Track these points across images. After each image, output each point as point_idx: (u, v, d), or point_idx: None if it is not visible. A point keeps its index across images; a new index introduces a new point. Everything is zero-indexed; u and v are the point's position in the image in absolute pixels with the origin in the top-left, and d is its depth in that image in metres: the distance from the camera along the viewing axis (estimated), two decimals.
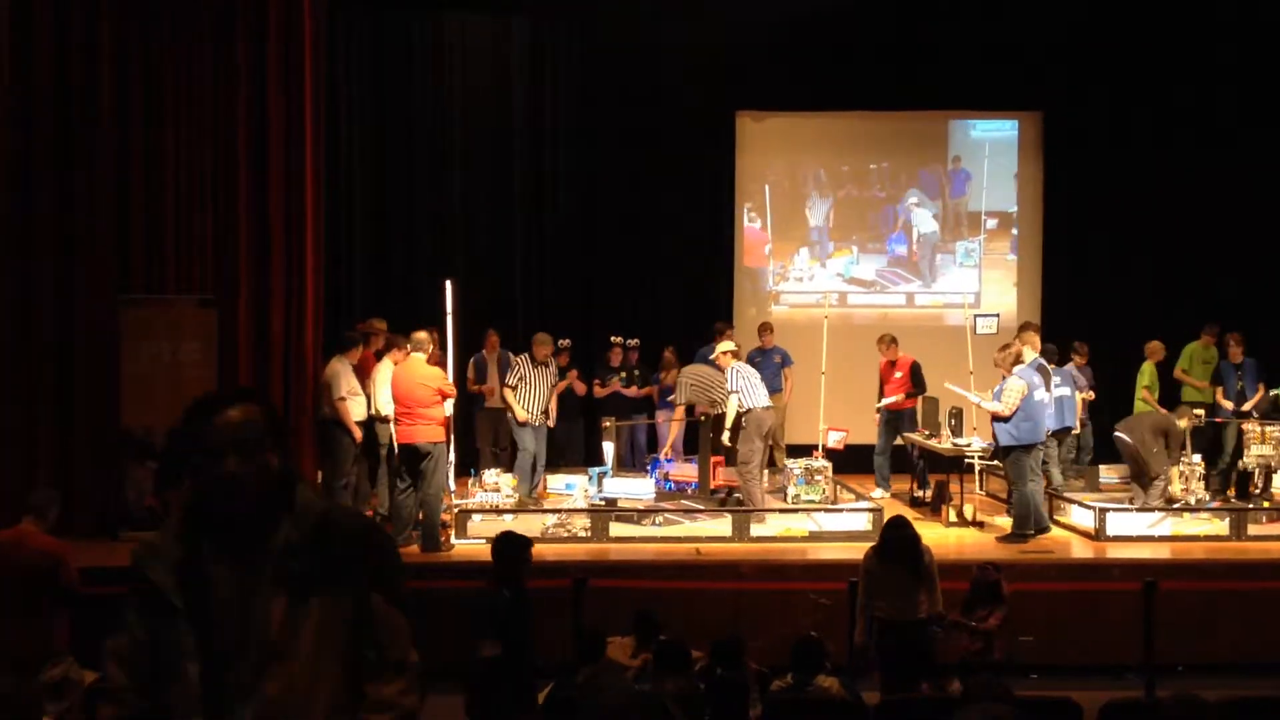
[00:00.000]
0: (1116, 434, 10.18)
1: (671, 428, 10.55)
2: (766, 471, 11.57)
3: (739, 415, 9.61)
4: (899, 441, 11.37)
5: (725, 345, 10.16)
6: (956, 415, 10.52)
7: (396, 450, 9.28)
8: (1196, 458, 10.11)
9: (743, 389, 9.73)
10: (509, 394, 10.26)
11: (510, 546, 5.84)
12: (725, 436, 9.74)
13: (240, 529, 2.41)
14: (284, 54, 9.84)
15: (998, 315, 12.50)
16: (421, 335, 9.07)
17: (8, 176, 9.26)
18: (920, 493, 11.10)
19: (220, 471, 2.36)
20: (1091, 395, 11.75)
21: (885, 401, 11.32)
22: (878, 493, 11.13)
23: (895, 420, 11.32)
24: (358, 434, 9.42)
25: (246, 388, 2.47)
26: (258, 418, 2.43)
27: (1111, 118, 13.30)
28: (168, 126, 9.55)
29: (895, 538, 6.72)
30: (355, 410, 9.41)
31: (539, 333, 10.62)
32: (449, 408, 8.91)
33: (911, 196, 13.89)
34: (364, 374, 9.70)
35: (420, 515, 8.90)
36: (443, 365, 10.05)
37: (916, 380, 11.26)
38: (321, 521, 2.45)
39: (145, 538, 2.52)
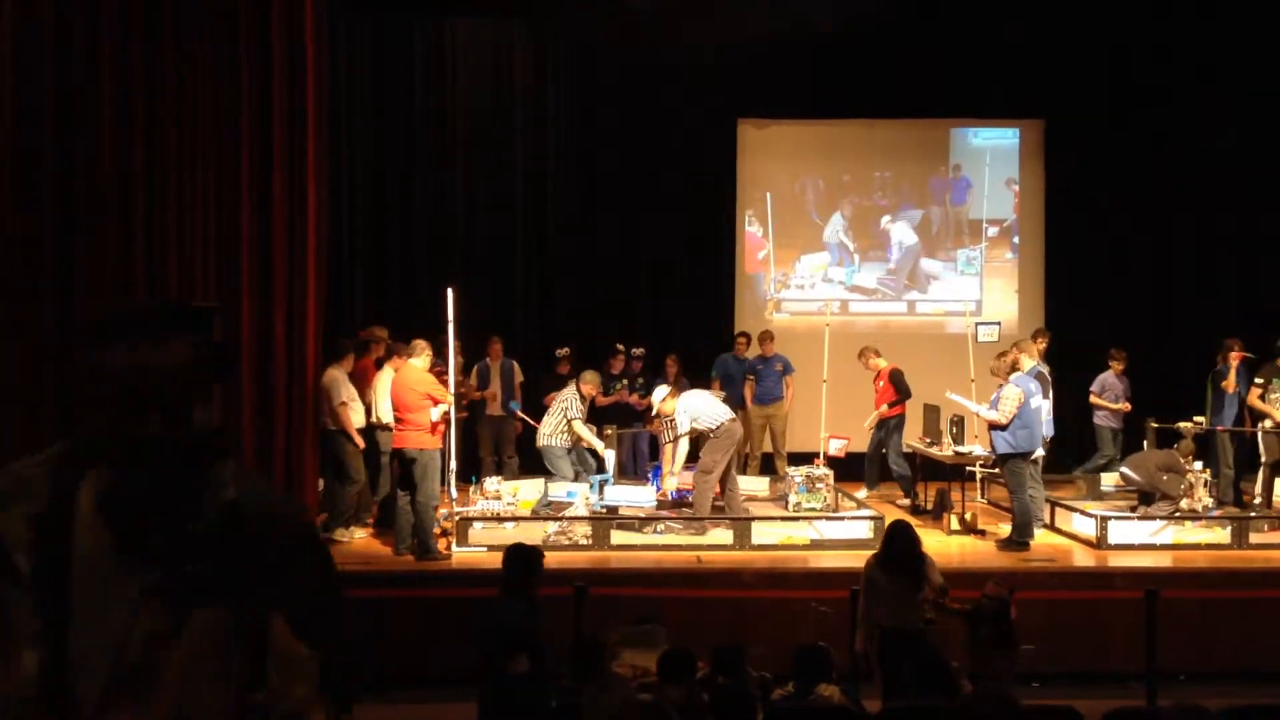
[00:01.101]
0: (1123, 470, 10.15)
1: (667, 450, 10.50)
2: (767, 479, 11.60)
3: (696, 438, 9.69)
4: (885, 451, 11.42)
5: (660, 392, 9.99)
6: (958, 423, 10.50)
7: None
8: (1199, 464, 10.09)
9: (700, 416, 9.61)
10: (582, 428, 10.25)
11: (521, 558, 5.85)
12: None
13: (133, 498, 1.78)
14: (287, 57, 9.83)
15: (999, 323, 12.50)
16: (419, 342, 9.17)
17: (10, 179, 9.24)
18: (909, 500, 11.08)
19: (137, 432, 1.77)
20: (1128, 406, 11.57)
21: (871, 419, 11.41)
22: (862, 493, 11.08)
23: (884, 426, 11.40)
24: (359, 440, 9.44)
25: (182, 304, 1.99)
26: (197, 359, 1.80)
27: (1112, 125, 13.30)
28: (170, 129, 9.53)
29: (900, 540, 6.73)
30: (354, 417, 9.42)
31: (591, 372, 10.73)
32: (436, 414, 8.91)
33: (902, 206, 13.88)
34: (364, 382, 9.71)
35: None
36: (445, 374, 10.05)
37: (898, 388, 11.29)
38: (235, 511, 1.80)
39: (11, 466, 1.85)
